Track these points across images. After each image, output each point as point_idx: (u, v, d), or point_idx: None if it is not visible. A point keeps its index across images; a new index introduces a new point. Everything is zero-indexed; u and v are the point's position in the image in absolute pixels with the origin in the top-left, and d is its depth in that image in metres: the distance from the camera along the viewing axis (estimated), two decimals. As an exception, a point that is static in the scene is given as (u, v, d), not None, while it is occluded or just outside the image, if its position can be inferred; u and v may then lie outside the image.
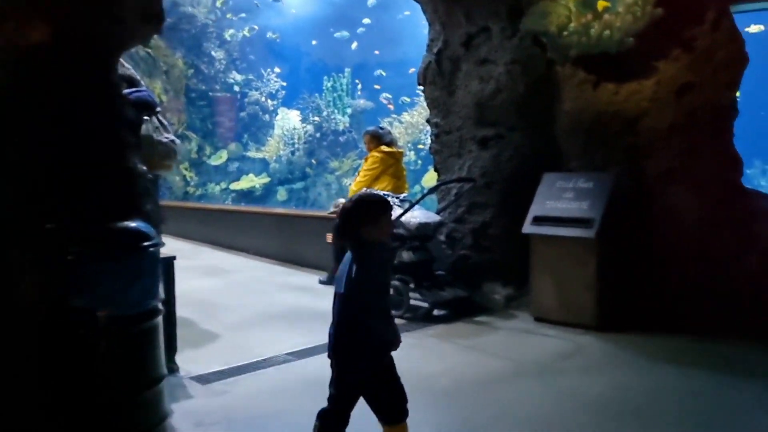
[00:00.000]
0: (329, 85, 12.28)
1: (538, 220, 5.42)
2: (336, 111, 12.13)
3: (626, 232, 5.18)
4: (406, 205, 6.03)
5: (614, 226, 5.12)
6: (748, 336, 4.73)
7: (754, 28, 11.33)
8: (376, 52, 11.86)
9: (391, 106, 11.86)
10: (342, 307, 2.61)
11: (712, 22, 4.99)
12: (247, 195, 13.16)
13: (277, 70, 13.42)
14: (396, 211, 6.03)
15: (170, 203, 12.95)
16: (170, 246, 10.52)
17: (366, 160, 7.25)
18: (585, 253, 5.08)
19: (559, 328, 5.16)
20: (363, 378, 2.64)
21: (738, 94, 5.21)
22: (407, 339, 5.08)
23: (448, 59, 6.45)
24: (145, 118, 5.19)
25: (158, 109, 5.54)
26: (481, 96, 6.07)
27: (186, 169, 14.55)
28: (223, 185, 13.76)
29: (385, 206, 2.75)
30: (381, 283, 2.70)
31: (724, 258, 4.94)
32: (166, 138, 5.39)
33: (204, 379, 4.19)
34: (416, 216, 5.93)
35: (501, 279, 5.98)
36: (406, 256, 5.94)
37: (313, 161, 11.97)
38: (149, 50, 14.09)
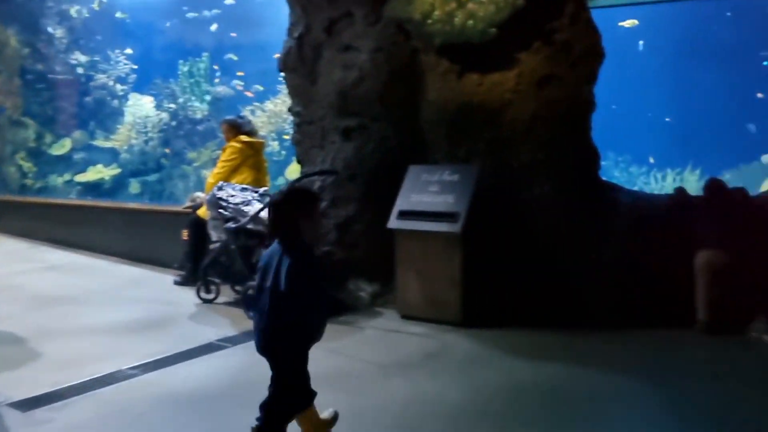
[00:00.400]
0: (185, 69, 11.51)
1: (404, 215, 5.27)
2: (193, 98, 11.40)
3: (491, 226, 5.14)
4: (267, 200, 5.66)
5: (479, 220, 5.06)
6: (606, 328, 4.85)
7: (628, 23, 11.87)
8: (233, 34, 11.16)
9: (249, 93, 11.31)
10: (280, 304, 2.56)
11: (571, 15, 5.04)
12: (95, 188, 12.10)
13: (128, 51, 12.38)
14: (255, 206, 5.67)
15: (3, 198, 11.66)
16: (4, 247, 9.49)
17: (224, 150, 6.78)
18: (450, 248, 4.98)
19: (426, 326, 5.04)
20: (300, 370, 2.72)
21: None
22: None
23: (310, 45, 6.13)
24: None
25: None
26: (343, 84, 5.82)
27: (22, 159, 13.17)
28: (67, 177, 12.58)
29: (317, 197, 2.81)
30: (320, 277, 2.70)
31: (584, 251, 5.02)
32: None
33: (25, 405, 3.63)
34: (276, 211, 5.59)
35: (366, 276, 5.78)
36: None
37: (166, 151, 11.18)
38: (-24, 25, 12.59)
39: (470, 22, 5.07)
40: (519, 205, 5.17)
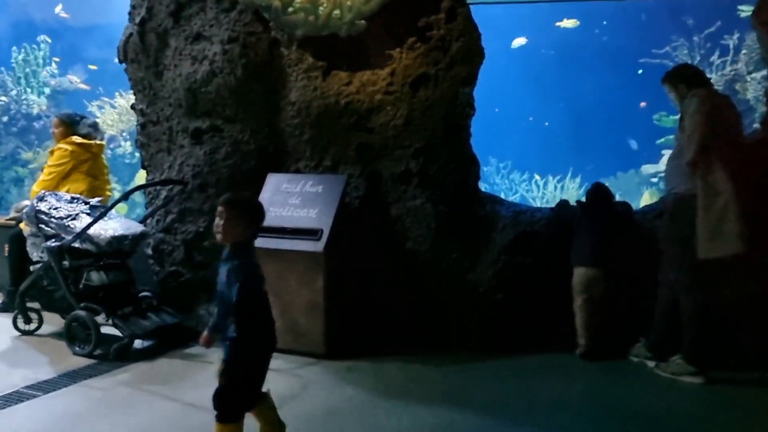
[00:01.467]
0: (20, 57, 10.18)
1: (261, 231, 4.63)
2: (29, 90, 10.09)
3: (359, 244, 4.64)
4: (98, 213, 4.85)
5: (346, 238, 4.55)
6: (484, 355, 4.51)
7: (567, 23, 11.73)
8: (63, 15, 9.91)
9: (84, 86, 10.17)
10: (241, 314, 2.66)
11: (448, 10, 4.64)
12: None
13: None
14: (83, 221, 4.84)
15: None
16: None
17: (51, 153, 5.86)
18: (312, 269, 4.42)
19: (287, 359, 4.45)
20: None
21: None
22: (92, 389, 4.01)
23: (154, 32, 5.36)
24: None
25: None
26: (193, 80, 5.11)
27: None
28: None
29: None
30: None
31: (461, 270, 4.63)
32: None
33: None
34: (110, 227, 4.80)
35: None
36: (95, 277, 4.77)
37: None
38: None
39: (336, 12, 4.54)
40: (390, 220, 4.71)
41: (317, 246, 4.39)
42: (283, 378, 4.13)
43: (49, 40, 10.10)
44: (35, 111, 9.96)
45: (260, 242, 4.55)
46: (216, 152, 5.10)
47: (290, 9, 4.65)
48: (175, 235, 5.24)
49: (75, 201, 5.12)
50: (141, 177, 8.70)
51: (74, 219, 4.85)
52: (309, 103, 4.79)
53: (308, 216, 4.55)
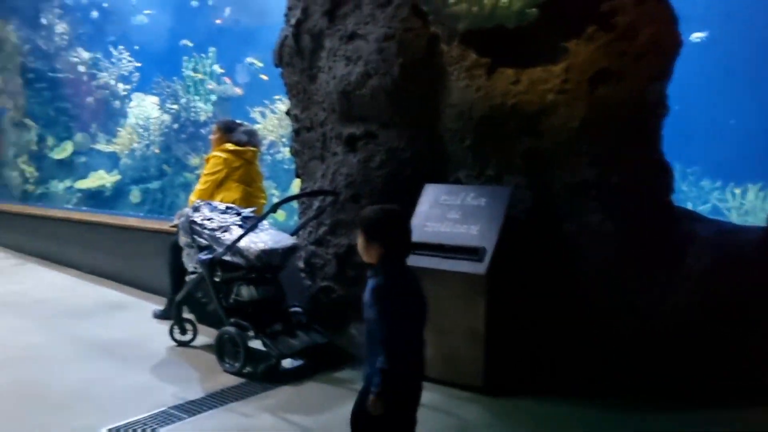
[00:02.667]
0: (190, 66, 10.66)
1: (416, 247, 4.22)
2: (197, 98, 10.53)
3: (526, 266, 4.09)
4: (249, 225, 4.72)
5: (511, 258, 4.03)
6: (672, 402, 3.77)
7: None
8: (219, 19, 10.08)
9: (239, 90, 10.37)
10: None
11: (636, -9, 3.95)
12: (95, 195, 11.40)
13: (136, 48, 11.60)
14: (235, 233, 4.72)
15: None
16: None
17: (207, 161, 5.87)
18: (472, 292, 3.95)
19: (441, 390, 4.02)
20: None
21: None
22: (236, 414, 3.83)
23: (309, 34, 5.16)
24: None
25: None
26: (347, 82, 4.82)
27: (24, 164, 12.58)
28: (68, 183, 11.91)
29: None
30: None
31: (646, 300, 3.93)
32: None
33: None
34: (261, 239, 4.64)
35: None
36: (245, 292, 4.63)
37: (155, 149, 10.21)
38: (-25, 19, 12.01)
39: (504, 1, 4.02)
40: (562, 239, 4.11)
41: (478, 267, 3.90)
42: (438, 416, 3.70)
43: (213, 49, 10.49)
44: (202, 118, 10.41)
45: (415, 260, 4.16)
46: (370, 160, 4.77)
47: (452, 0, 4.20)
48: (327, 248, 5.00)
49: (228, 212, 5.03)
50: (297, 185, 8.73)
51: (226, 231, 4.74)
52: (471, 105, 4.32)
53: (469, 232, 4.08)
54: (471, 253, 3.98)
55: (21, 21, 11.64)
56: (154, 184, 10.53)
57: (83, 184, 11.45)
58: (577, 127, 4.06)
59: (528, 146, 4.22)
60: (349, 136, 4.92)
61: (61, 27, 11.69)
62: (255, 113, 9.62)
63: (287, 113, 5.73)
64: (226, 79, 10.42)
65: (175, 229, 6.42)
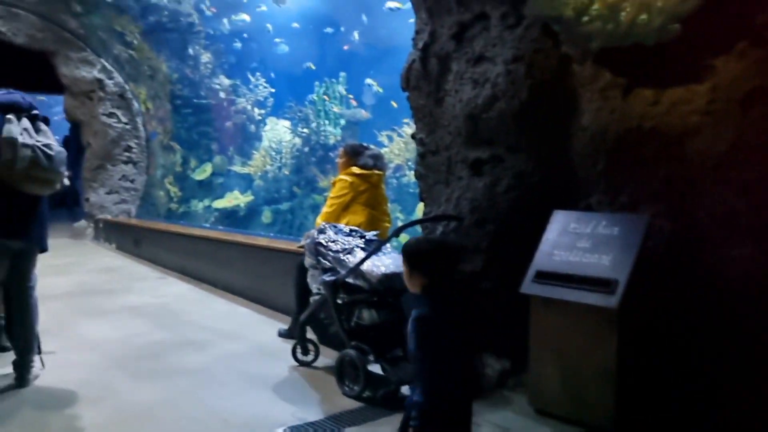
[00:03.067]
0: (321, 91, 11.01)
1: (543, 277, 4.07)
2: (327, 122, 10.84)
3: (662, 301, 3.80)
4: (372, 247, 4.73)
5: (647, 292, 3.75)
6: None
7: None
8: (347, 45, 10.26)
9: (366, 114, 10.48)
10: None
11: (796, 1, 3.60)
12: (230, 215, 11.99)
13: (272, 75, 12.17)
14: (358, 255, 4.75)
15: (144, 224, 11.87)
16: (136, 276, 9.44)
17: (334, 184, 5.98)
18: (603, 327, 3.71)
19: (566, 429, 3.80)
20: None
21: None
22: (355, 437, 3.82)
23: (436, 57, 5.15)
24: (9, 117, 4.44)
25: (35, 112, 4.68)
26: (474, 105, 4.75)
27: (170, 184, 13.48)
28: (207, 202, 12.62)
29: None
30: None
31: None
32: (37, 142, 4.29)
33: None
34: (383, 263, 4.64)
35: (494, 348, 4.63)
36: (366, 315, 4.64)
37: (286, 171, 10.54)
38: (132, 52, 13.10)
39: (643, 16, 3.80)
40: (706, 274, 3.77)
41: (610, 300, 3.66)
42: (562, 459, 3.48)
43: (343, 74, 10.78)
44: (331, 141, 10.71)
45: (540, 290, 4.01)
46: (496, 185, 4.66)
47: (585, 18, 4.03)
48: (449, 273, 4.90)
49: (352, 234, 5.08)
50: (421, 209, 8.72)
51: (349, 253, 4.78)
52: (605, 127, 4.10)
53: (600, 263, 3.85)
54: (602, 284, 3.75)
55: (171, 52, 12.56)
56: (285, 206, 10.92)
57: (220, 203, 12.08)
58: (725, 151, 3.74)
59: (667, 172, 3.94)
60: (475, 160, 4.84)
61: (206, 56, 12.50)
62: (382, 137, 9.76)
63: (413, 137, 5.73)
64: (354, 102, 10.67)
65: (302, 249, 6.60)
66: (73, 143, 18.13)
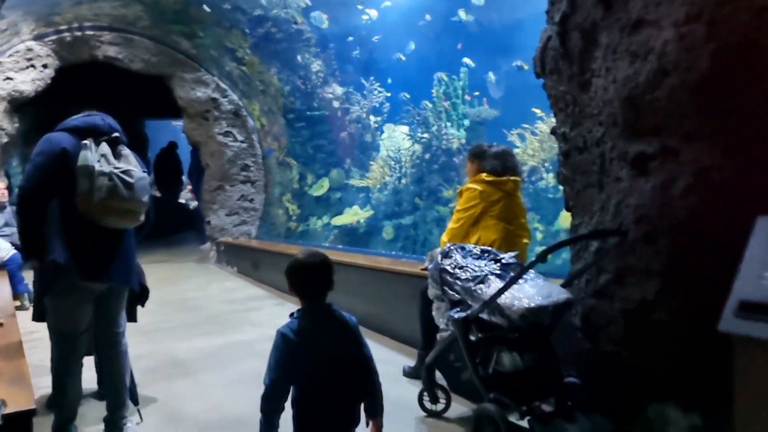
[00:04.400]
0: (440, 90, 10.19)
1: (750, 309, 3.03)
2: (449, 124, 10.01)
3: None
4: (513, 275, 3.90)
5: None
6: None
7: None
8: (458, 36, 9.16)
9: (493, 111, 9.40)
10: None
11: None
12: (350, 232, 11.47)
13: (390, 81, 11.49)
14: (493, 285, 3.92)
15: (263, 245, 11.61)
16: (248, 294, 9.08)
17: (460, 195, 5.19)
18: None
19: None
20: None
21: None
22: None
23: (578, 30, 4.22)
24: (84, 143, 4.04)
25: (116, 135, 4.28)
26: (634, 85, 3.78)
27: (288, 201, 13.24)
28: (325, 220, 12.20)
29: None
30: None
31: None
32: (116, 168, 4.03)
33: None
34: (525, 293, 3.79)
35: (677, 398, 3.64)
36: (507, 360, 3.80)
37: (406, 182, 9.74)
38: (244, 68, 12.99)
39: None
40: None
41: None
42: None
43: (473, 64, 9.86)
44: (455, 145, 9.86)
45: (748, 327, 2.98)
46: (669, 186, 3.66)
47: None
48: (611, 301, 3.96)
49: (485, 256, 4.26)
50: (565, 218, 7.66)
51: (482, 282, 3.97)
52: (830, 99, 3.03)
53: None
54: None
55: (281, 64, 12.28)
56: (407, 220, 10.23)
57: (339, 220, 11.61)
58: None
59: None
60: (638, 155, 3.86)
61: (316, 64, 12.10)
62: (512, 136, 8.81)
63: (553, 132, 4.82)
64: (478, 94, 9.76)
65: (425, 272, 5.87)
66: (195, 166, 18.59)
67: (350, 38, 11.42)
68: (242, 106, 13.74)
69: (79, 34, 12.61)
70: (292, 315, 2.91)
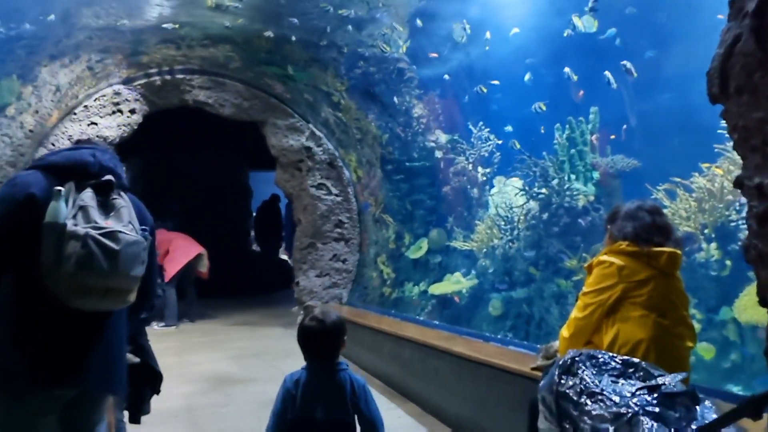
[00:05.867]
0: (564, 136, 8.67)
1: None
2: (573, 177, 8.43)
3: None
4: (677, 415, 2.39)
5: None
6: None
7: None
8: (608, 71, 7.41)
9: (633, 162, 7.59)
10: None
11: None
12: (450, 303, 10.04)
13: (506, 129, 10.13)
14: (646, 427, 2.42)
15: (347, 313, 10.41)
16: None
17: (589, 270, 3.73)
18: None
19: None
20: None
21: None
22: None
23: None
24: (58, 189, 2.96)
25: (108, 178, 3.18)
26: None
27: (383, 264, 12.03)
28: (422, 287, 10.85)
29: None
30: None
31: None
32: (97, 229, 2.93)
33: None
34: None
35: None
36: None
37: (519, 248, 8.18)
38: (340, 114, 12.07)
39: None
40: None
41: None
42: None
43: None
44: (580, 203, 8.26)
45: None
46: None
47: None
48: None
49: (630, 375, 2.77)
50: (743, 308, 5.79)
51: (629, 423, 2.46)
52: None
53: None
54: None
55: (379, 109, 11.25)
56: (519, 293, 8.67)
57: (438, 288, 10.23)
58: None
59: None
60: None
61: (418, 109, 10.94)
62: (658, 193, 7.13)
63: (738, 184, 3.27)
64: (614, 138, 8.06)
65: (537, 373, 4.45)
66: (288, 220, 17.89)
67: (457, 78, 10.19)
68: (338, 156, 12.81)
69: (168, 77, 12.19)
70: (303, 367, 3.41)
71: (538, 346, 4.87)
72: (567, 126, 8.45)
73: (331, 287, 13.13)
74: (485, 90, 9.55)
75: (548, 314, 8.06)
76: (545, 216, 8.45)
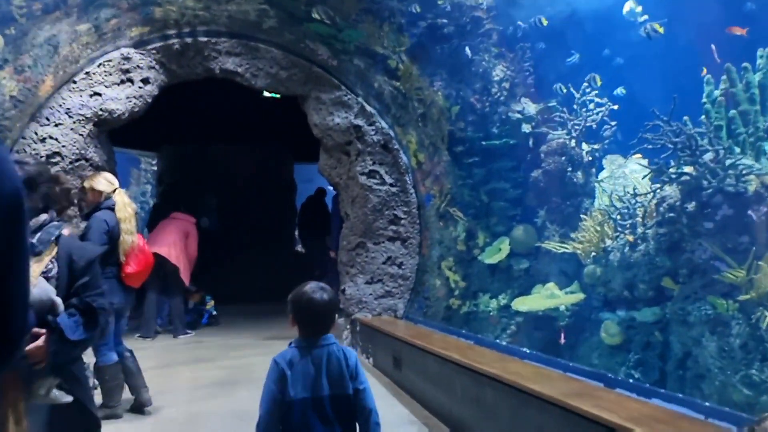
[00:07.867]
0: (716, 93, 6.47)
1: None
2: (738, 149, 6.22)
3: None
4: None
5: None
6: None
7: None
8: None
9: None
10: None
11: None
12: (543, 323, 8.06)
13: (618, 91, 8.03)
14: None
15: (402, 331, 8.57)
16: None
17: None
18: None
19: None
20: None
21: None
22: None
23: None
24: None
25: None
26: None
27: (449, 269, 10.07)
28: (503, 300, 8.90)
29: None
30: None
31: None
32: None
33: None
34: None
35: None
36: None
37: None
38: (397, 83, 10.13)
39: None
40: None
41: None
42: None
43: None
44: (751, 187, 6.05)
45: None
46: None
47: None
48: None
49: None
50: None
51: None
52: None
53: None
54: None
55: (449, 73, 9.29)
56: (646, 314, 6.55)
57: (524, 303, 8.27)
58: None
59: None
60: None
61: (499, 70, 8.91)
62: None
63: None
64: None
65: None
66: (336, 216, 16.17)
67: (553, 26, 8.13)
68: (393, 136, 10.91)
69: (189, 40, 10.45)
70: (290, 344, 3.27)
71: (698, 401, 2.86)
72: (724, 76, 6.25)
73: (384, 297, 11.26)
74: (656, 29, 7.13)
75: (699, 348, 5.89)
76: (691, 206, 6.26)
